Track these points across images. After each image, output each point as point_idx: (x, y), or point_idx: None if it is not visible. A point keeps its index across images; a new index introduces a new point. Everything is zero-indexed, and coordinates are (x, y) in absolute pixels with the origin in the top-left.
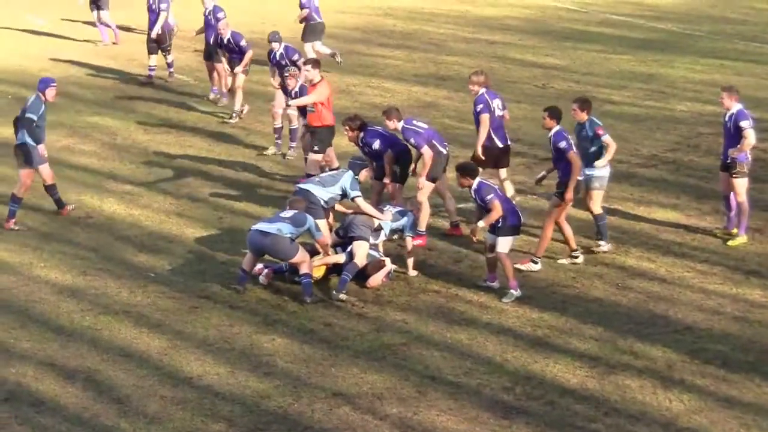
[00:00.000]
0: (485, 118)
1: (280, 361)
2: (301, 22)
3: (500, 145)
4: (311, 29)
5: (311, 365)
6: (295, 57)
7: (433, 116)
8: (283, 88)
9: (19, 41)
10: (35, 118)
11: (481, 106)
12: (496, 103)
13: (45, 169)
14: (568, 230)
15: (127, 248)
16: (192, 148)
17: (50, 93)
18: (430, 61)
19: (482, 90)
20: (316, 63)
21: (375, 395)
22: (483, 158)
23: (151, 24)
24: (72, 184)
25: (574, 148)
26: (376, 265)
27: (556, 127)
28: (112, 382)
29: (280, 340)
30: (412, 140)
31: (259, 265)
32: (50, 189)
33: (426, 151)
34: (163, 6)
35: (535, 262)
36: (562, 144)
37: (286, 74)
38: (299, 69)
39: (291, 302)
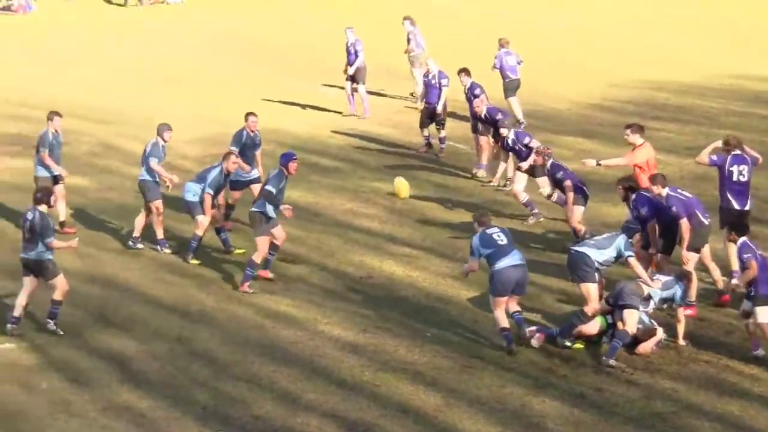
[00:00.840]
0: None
1: (551, 423)
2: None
3: (737, 208)
4: (507, 86)
5: (581, 429)
6: (499, 116)
7: (704, 189)
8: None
9: (311, 110)
10: (274, 191)
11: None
12: (741, 169)
13: (278, 231)
14: None
15: (405, 308)
16: (467, 214)
17: (292, 167)
18: (701, 134)
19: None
20: (637, 128)
21: None
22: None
23: (432, 97)
24: (355, 246)
25: None
26: (647, 333)
27: None
28: None
29: (550, 402)
30: (674, 208)
31: (533, 327)
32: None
33: (684, 222)
34: (444, 81)
35: None
36: None
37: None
38: (532, 149)
39: (562, 366)
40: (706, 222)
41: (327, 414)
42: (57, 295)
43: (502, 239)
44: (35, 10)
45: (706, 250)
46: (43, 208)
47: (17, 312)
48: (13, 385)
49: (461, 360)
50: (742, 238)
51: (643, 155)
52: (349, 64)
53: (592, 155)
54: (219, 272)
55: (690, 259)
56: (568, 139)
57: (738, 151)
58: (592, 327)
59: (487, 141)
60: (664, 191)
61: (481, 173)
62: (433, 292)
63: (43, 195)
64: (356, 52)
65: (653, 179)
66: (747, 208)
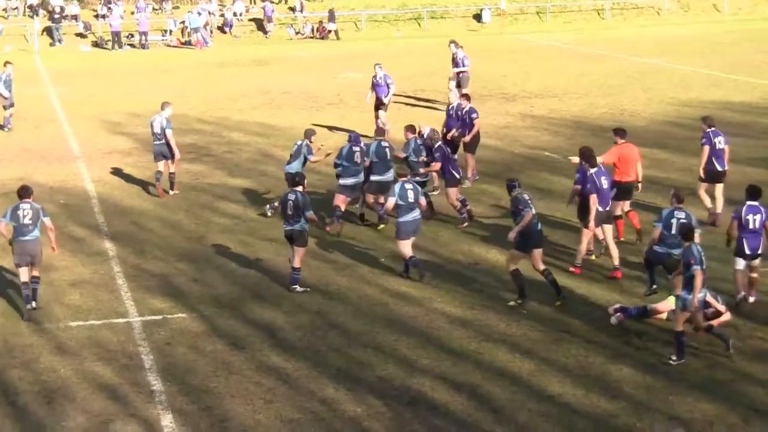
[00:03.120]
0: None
1: (626, 387)
2: None
3: (719, 168)
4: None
5: (652, 392)
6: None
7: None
8: None
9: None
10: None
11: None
12: (719, 139)
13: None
14: None
15: (506, 290)
16: (560, 213)
17: None
18: (761, 147)
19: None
20: (619, 131)
21: (706, 421)
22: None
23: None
24: (465, 238)
25: None
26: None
27: None
28: (490, 396)
29: (627, 370)
30: (588, 185)
31: (616, 306)
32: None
33: (593, 198)
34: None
35: None
36: None
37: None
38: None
39: (637, 339)
40: (601, 209)
41: (438, 376)
42: (297, 263)
43: None
44: (211, 45)
45: (608, 230)
46: (300, 189)
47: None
48: (185, 348)
49: (552, 333)
50: (748, 203)
51: (615, 154)
52: (383, 95)
53: (666, 164)
54: (352, 258)
55: (585, 233)
56: (645, 150)
57: (714, 128)
58: (665, 306)
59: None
60: (592, 170)
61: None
62: (529, 277)
63: (301, 179)
64: (388, 85)
65: (589, 159)
66: (726, 168)
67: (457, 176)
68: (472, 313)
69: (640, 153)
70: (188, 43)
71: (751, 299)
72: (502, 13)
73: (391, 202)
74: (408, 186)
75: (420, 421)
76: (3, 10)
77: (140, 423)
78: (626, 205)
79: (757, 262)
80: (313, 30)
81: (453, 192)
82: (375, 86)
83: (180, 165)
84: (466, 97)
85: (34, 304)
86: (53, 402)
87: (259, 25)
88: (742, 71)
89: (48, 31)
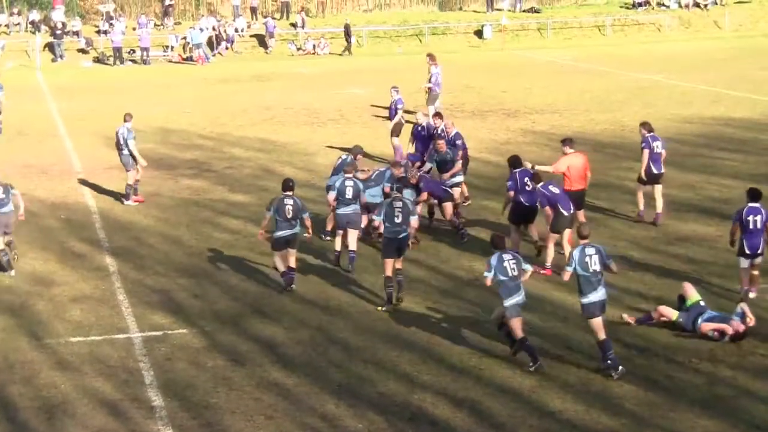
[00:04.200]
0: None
1: (628, 403)
2: None
3: (655, 171)
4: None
5: (653, 409)
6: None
7: None
8: None
9: None
10: None
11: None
12: (657, 144)
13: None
14: None
15: None
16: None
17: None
18: (763, 163)
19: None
20: (567, 141)
21: None
22: None
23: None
24: (465, 253)
25: None
26: None
27: None
28: (491, 412)
29: (627, 386)
30: (539, 199)
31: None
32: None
33: (546, 210)
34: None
35: None
36: None
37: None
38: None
39: (638, 356)
40: (566, 213)
41: (439, 392)
42: (293, 262)
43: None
44: (212, 61)
45: (566, 233)
46: (291, 193)
47: (282, 268)
48: (185, 363)
49: (553, 349)
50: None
51: (564, 163)
52: (390, 118)
53: (668, 180)
54: (353, 274)
55: (551, 238)
56: None
57: (653, 133)
58: (671, 313)
59: None
60: (538, 185)
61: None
62: (531, 292)
63: (294, 184)
64: (396, 109)
65: (534, 176)
66: (663, 171)
67: (449, 192)
68: (473, 328)
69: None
70: (190, 59)
71: (752, 295)
72: (504, 29)
73: (331, 195)
74: (348, 183)
75: None
76: (5, 26)
77: None
78: (580, 214)
79: (758, 260)
80: (314, 47)
81: (449, 207)
82: (390, 110)
83: (181, 181)
84: (439, 115)
85: (12, 273)
86: (53, 418)
87: (261, 40)
88: (743, 87)
89: (50, 46)
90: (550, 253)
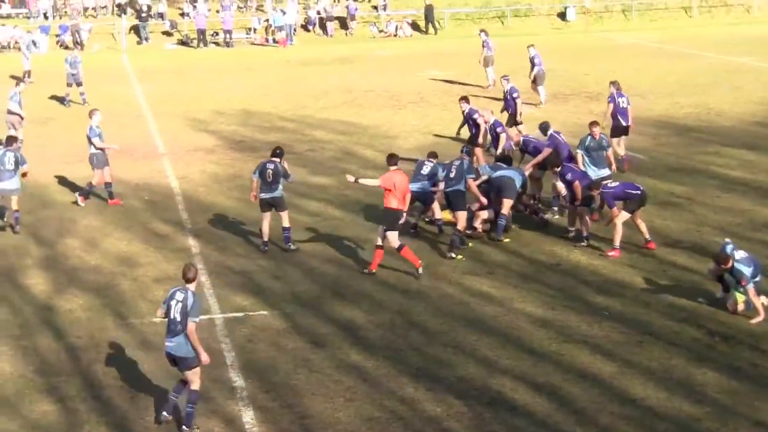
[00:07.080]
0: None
1: (711, 391)
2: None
3: (624, 124)
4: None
5: (737, 397)
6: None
7: None
8: None
9: None
10: None
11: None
12: (623, 99)
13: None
14: None
15: (587, 290)
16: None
17: None
18: None
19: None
20: (389, 157)
21: None
22: None
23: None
24: (547, 238)
25: None
26: None
27: None
28: (571, 397)
29: (711, 373)
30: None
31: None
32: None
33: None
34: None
35: None
36: None
37: None
38: None
39: (721, 343)
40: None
41: (518, 377)
42: (286, 223)
43: None
44: (294, 43)
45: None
46: (277, 160)
47: (266, 237)
48: (266, 344)
49: (634, 335)
50: None
51: (388, 179)
52: (507, 108)
53: (754, 165)
54: (433, 258)
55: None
56: (734, 151)
57: (620, 90)
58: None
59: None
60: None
61: None
62: (612, 278)
63: (281, 151)
64: (514, 99)
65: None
66: (630, 124)
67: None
68: (553, 313)
69: (732, 155)
70: (272, 41)
71: None
72: (587, 11)
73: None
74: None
75: (500, 421)
76: (92, 9)
77: (222, 419)
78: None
79: None
80: (396, 29)
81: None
82: (504, 101)
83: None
84: (465, 99)
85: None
86: (136, 397)
87: (342, 23)
88: None
89: (135, 29)
90: (618, 231)
